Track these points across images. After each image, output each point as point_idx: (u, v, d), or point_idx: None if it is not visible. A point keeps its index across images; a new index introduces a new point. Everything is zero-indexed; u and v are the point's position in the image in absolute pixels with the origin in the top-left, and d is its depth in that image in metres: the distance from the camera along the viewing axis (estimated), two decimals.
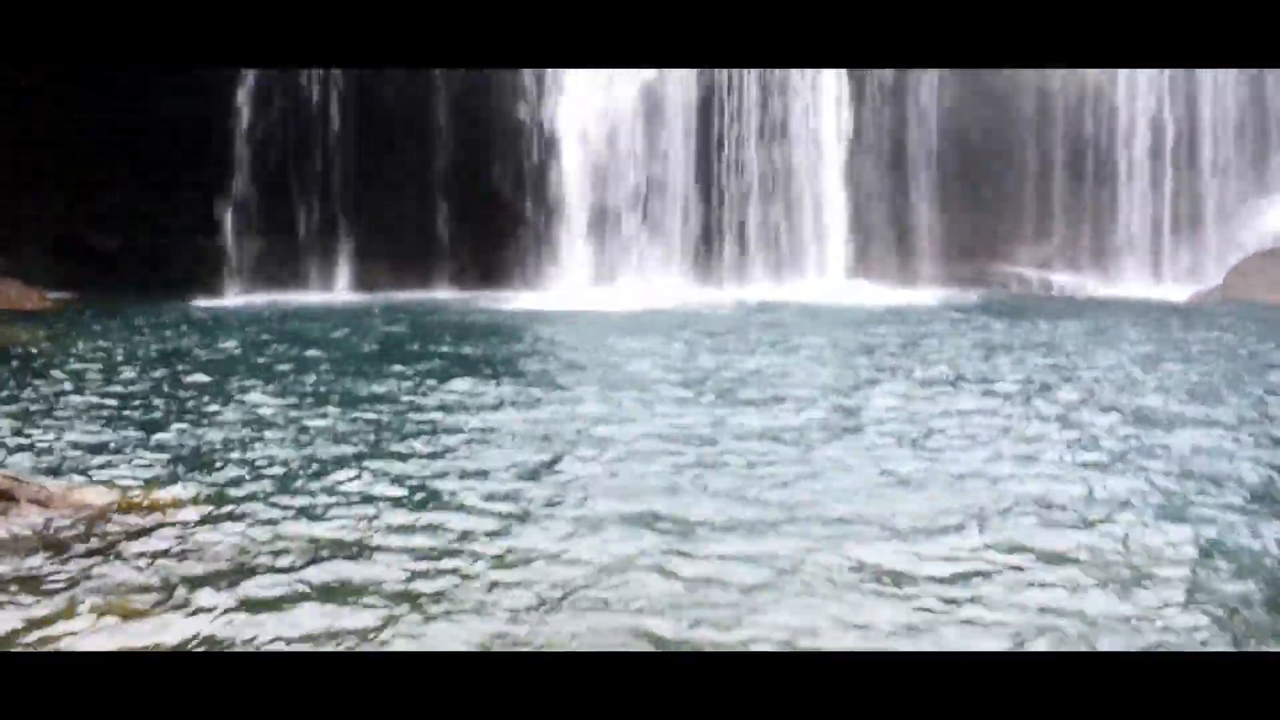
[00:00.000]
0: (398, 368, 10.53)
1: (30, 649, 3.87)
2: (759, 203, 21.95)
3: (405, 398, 8.84)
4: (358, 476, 6.25)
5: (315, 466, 6.51)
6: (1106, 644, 4.01)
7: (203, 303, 18.22)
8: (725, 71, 21.57)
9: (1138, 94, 24.93)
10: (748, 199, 21.91)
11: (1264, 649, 4.13)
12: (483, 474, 6.32)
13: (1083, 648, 3.97)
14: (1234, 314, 17.80)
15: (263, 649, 3.82)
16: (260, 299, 19.12)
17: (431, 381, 9.61)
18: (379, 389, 9.21)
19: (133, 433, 7.48)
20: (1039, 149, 24.44)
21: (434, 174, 20.97)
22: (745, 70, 21.64)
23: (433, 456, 6.79)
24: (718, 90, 21.55)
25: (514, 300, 18.54)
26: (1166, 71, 24.91)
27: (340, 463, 6.59)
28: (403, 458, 6.75)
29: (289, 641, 4.00)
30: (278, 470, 6.42)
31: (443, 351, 11.97)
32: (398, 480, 6.18)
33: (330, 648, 3.95)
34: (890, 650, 4.14)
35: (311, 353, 11.84)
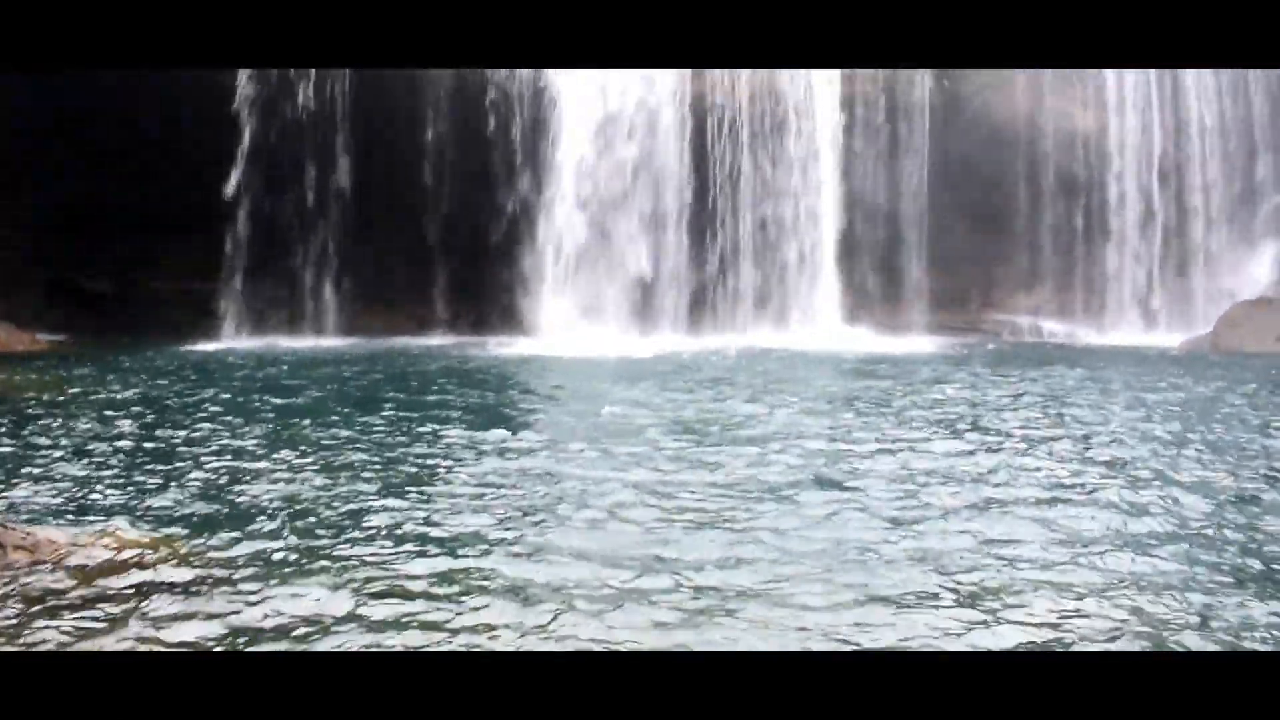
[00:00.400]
0: (387, 414, 10.52)
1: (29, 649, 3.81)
2: (751, 251, 22.08)
3: (394, 445, 8.83)
4: (347, 526, 6.23)
5: (303, 514, 6.49)
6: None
7: (196, 347, 18.23)
8: (718, 117, 21.80)
9: (1127, 143, 25.22)
10: (740, 247, 22.04)
11: (1264, 649, 4.09)
12: (462, 526, 6.29)
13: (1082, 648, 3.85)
14: (1225, 362, 17.87)
15: (262, 649, 3.76)
16: (254, 343, 19.15)
17: (423, 429, 9.60)
18: (368, 436, 9.21)
19: (122, 478, 7.45)
20: (1030, 197, 24.69)
21: (427, 220, 21.11)
22: (739, 115, 21.88)
23: (423, 505, 6.77)
24: (711, 137, 21.75)
25: (506, 346, 18.58)
26: (1155, 120, 25.23)
27: (329, 510, 6.57)
28: (390, 507, 6.73)
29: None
30: (266, 517, 6.39)
31: (434, 398, 11.97)
32: (386, 532, 6.15)
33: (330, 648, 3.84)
34: (890, 650, 4.10)
35: (302, 399, 11.84)
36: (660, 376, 13.98)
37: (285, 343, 19.41)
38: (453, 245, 21.16)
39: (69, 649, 3.75)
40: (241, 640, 4.40)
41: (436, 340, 20.41)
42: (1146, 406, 11.40)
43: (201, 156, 19.50)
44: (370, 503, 6.76)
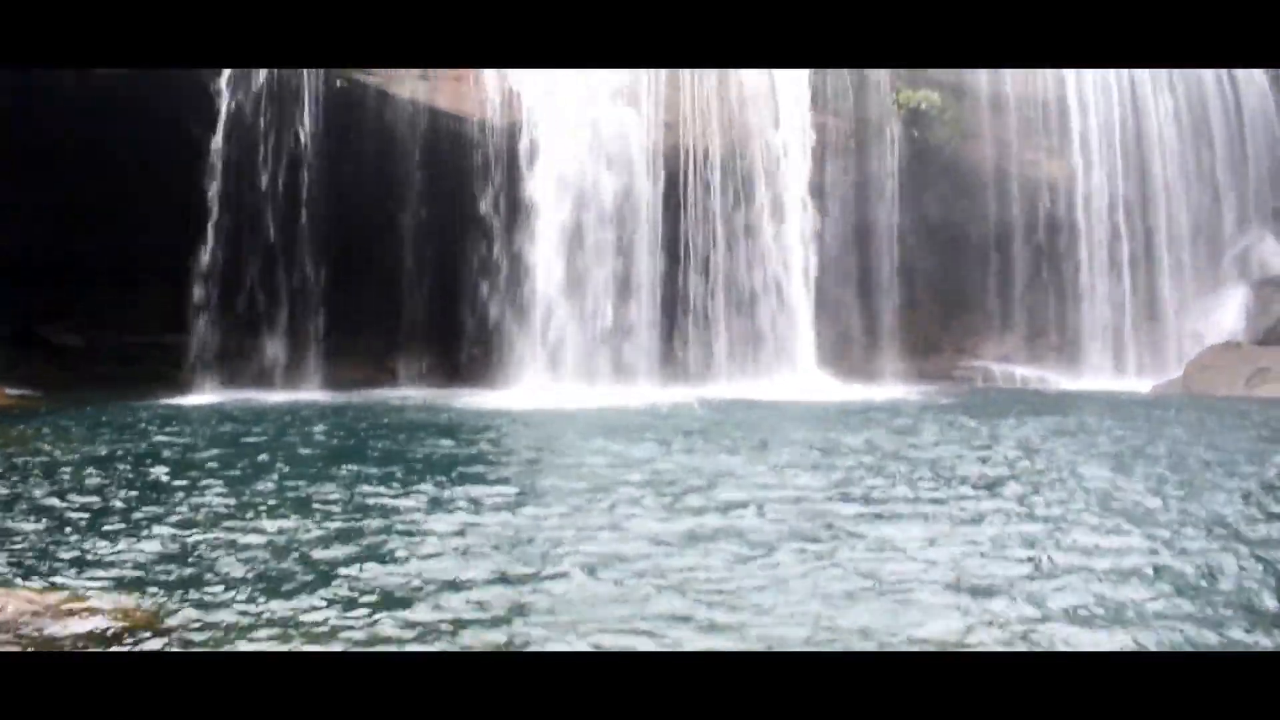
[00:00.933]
0: (360, 469, 10.41)
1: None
2: (725, 302, 22.16)
3: (368, 501, 8.72)
4: (319, 584, 6.12)
5: (274, 571, 6.38)
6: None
7: (169, 401, 18.03)
8: (691, 165, 21.97)
9: (1093, 190, 25.64)
10: (714, 298, 22.13)
11: (1264, 649, 4.06)
12: (434, 585, 6.20)
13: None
14: (1196, 406, 18.02)
15: (262, 649, 3.64)
16: (225, 397, 18.97)
17: (395, 484, 9.50)
18: (341, 491, 9.10)
19: (86, 535, 7.31)
20: (999, 244, 25.03)
21: (403, 274, 21.09)
22: (710, 166, 22.07)
23: (396, 562, 6.67)
24: (683, 189, 21.90)
25: (483, 399, 18.49)
26: (1119, 167, 25.68)
27: (301, 566, 6.46)
28: (364, 563, 6.62)
29: None
30: (235, 576, 6.28)
31: (408, 451, 11.87)
32: (360, 588, 6.05)
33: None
34: (890, 650, 4.04)
35: (276, 453, 11.70)
36: (636, 429, 13.93)
37: (257, 396, 19.24)
38: (426, 298, 21.13)
39: (68, 649, 3.65)
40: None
41: (409, 392, 20.31)
42: (1139, 454, 11.45)
43: (172, 209, 19.43)
44: (342, 561, 6.65)
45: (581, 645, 5.12)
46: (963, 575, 6.36)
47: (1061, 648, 4.52)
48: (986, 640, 5.15)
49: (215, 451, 11.79)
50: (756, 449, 11.96)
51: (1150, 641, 5.13)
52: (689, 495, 8.94)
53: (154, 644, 5.13)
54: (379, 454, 11.73)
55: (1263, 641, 4.50)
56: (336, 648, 4.92)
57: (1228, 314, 25.49)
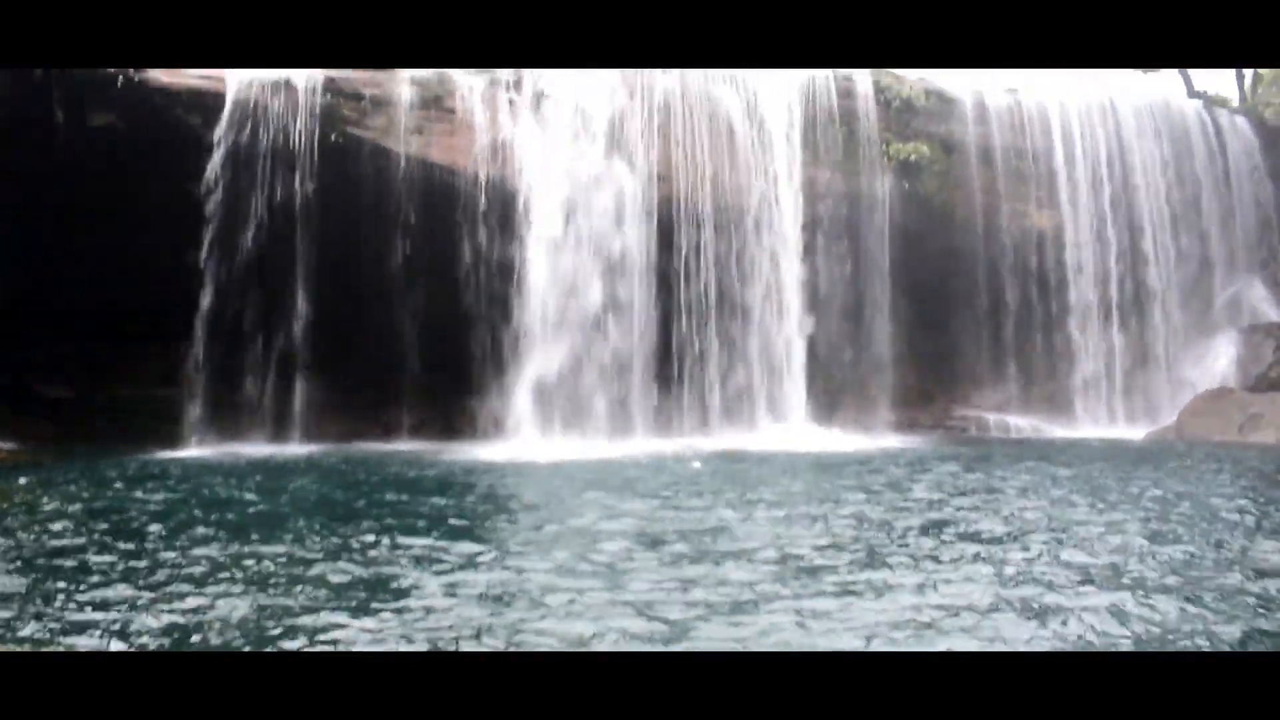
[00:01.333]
0: (351, 525, 10.33)
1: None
2: (719, 355, 22.18)
3: (358, 557, 8.65)
4: (310, 639, 6.05)
5: (265, 628, 6.30)
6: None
7: (158, 455, 17.95)
8: (682, 217, 22.08)
9: (1082, 240, 25.84)
10: (708, 351, 22.15)
11: (1264, 649, 4.01)
12: (424, 646, 6.12)
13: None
14: (1192, 453, 18.02)
15: (262, 649, 3.58)
16: (216, 450, 18.89)
17: (385, 539, 9.43)
18: (332, 548, 9.02)
19: (71, 592, 7.23)
20: (990, 295, 25.17)
21: (396, 327, 21.10)
22: (703, 217, 22.19)
23: (383, 620, 6.59)
24: (675, 240, 22.00)
25: (474, 452, 18.41)
26: (1109, 217, 25.91)
27: (291, 623, 6.38)
28: (353, 619, 6.55)
29: None
30: (225, 634, 6.19)
31: (398, 507, 11.80)
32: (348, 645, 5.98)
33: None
34: (890, 650, 3.98)
35: (265, 507, 11.64)
36: (630, 482, 13.88)
37: (249, 450, 19.16)
38: (418, 351, 21.11)
39: (68, 649, 3.60)
40: None
41: (402, 446, 20.24)
42: (1138, 500, 11.42)
43: (166, 262, 19.47)
44: (333, 621, 6.58)
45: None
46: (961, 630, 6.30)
47: (1063, 648, 4.46)
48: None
49: (205, 506, 11.68)
50: (752, 503, 11.90)
51: None
52: (679, 549, 8.88)
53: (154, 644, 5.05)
54: (370, 509, 11.63)
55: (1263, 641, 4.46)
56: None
57: (1219, 360, 25.61)
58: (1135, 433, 22.97)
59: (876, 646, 3.63)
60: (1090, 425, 24.51)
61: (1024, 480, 13.76)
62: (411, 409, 21.70)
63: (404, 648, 3.56)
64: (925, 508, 11.36)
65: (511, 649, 3.61)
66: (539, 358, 20.32)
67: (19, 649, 3.56)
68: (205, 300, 19.98)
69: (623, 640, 6.25)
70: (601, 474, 15.19)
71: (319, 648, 3.57)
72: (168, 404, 20.05)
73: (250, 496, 12.74)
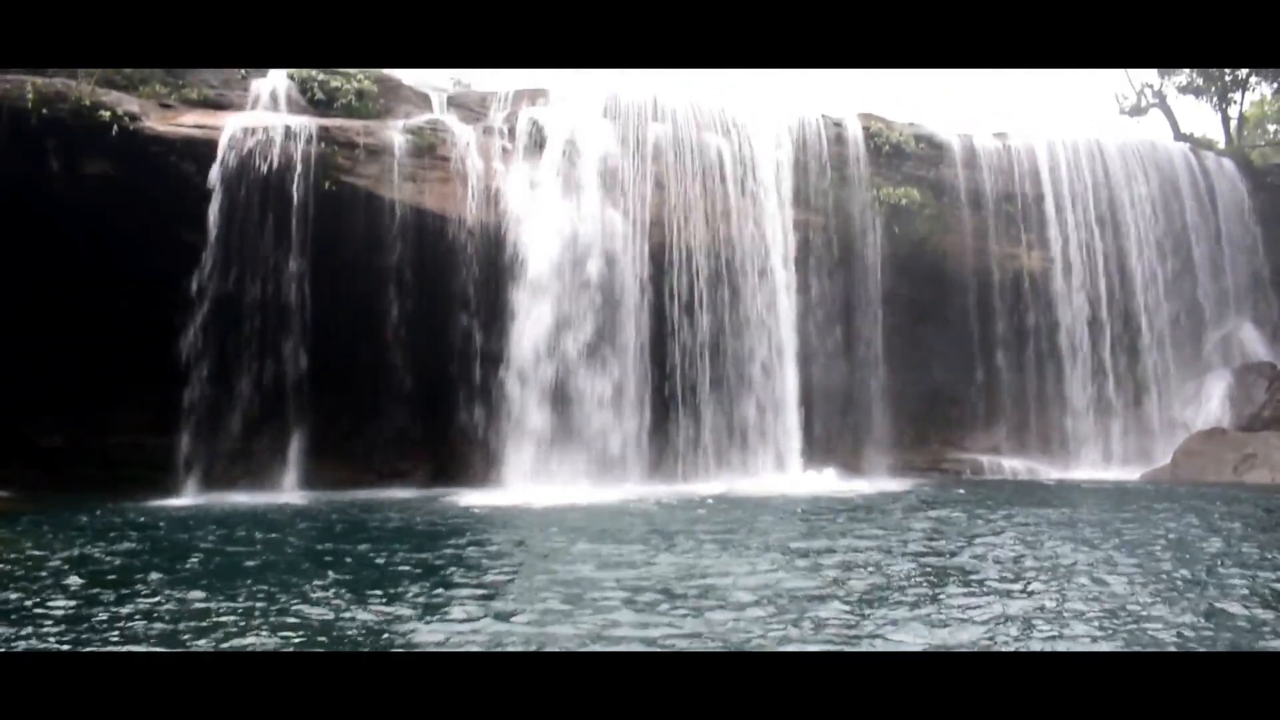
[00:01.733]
0: (343, 575, 10.25)
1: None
2: (713, 399, 22.19)
3: (351, 608, 8.56)
4: None
5: None
6: None
7: (150, 503, 17.83)
8: (674, 254, 22.17)
9: (1073, 284, 26.00)
10: (701, 396, 22.16)
11: (1264, 649, 3.97)
12: None
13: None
14: (1187, 494, 17.99)
15: (262, 649, 3.50)
16: (210, 499, 18.78)
17: (377, 591, 9.35)
18: (325, 598, 8.93)
19: (61, 644, 7.13)
20: (982, 337, 25.26)
21: (388, 374, 21.10)
22: (695, 266, 22.29)
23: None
24: (669, 288, 22.07)
25: (467, 499, 18.32)
26: (1100, 261, 26.08)
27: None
28: None
29: None
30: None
31: (392, 556, 11.71)
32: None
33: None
34: (890, 650, 3.93)
35: (259, 558, 11.54)
36: (625, 529, 13.82)
37: (242, 498, 19.05)
38: (410, 398, 21.10)
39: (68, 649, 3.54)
40: None
41: (397, 493, 20.14)
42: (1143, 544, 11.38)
43: (159, 309, 19.48)
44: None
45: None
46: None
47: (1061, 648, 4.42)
48: None
49: (196, 557, 11.58)
50: (748, 549, 11.83)
51: None
52: (675, 598, 8.82)
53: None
54: (362, 558, 11.55)
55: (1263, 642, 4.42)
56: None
57: (1211, 400, 25.69)
58: (1130, 474, 22.97)
59: (876, 647, 3.62)
60: (1084, 467, 24.51)
61: (1010, 523, 13.68)
62: (405, 455, 21.64)
63: (403, 648, 3.53)
64: (938, 552, 11.30)
65: (511, 649, 3.58)
66: (532, 403, 20.29)
67: (17, 649, 3.54)
68: (199, 347, 19.95)
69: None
70: (596, 521, 15.10)
71: (318, 648, 3.54)
72: (161, 452, 19.96)
73: (244, 546, 12.64)
